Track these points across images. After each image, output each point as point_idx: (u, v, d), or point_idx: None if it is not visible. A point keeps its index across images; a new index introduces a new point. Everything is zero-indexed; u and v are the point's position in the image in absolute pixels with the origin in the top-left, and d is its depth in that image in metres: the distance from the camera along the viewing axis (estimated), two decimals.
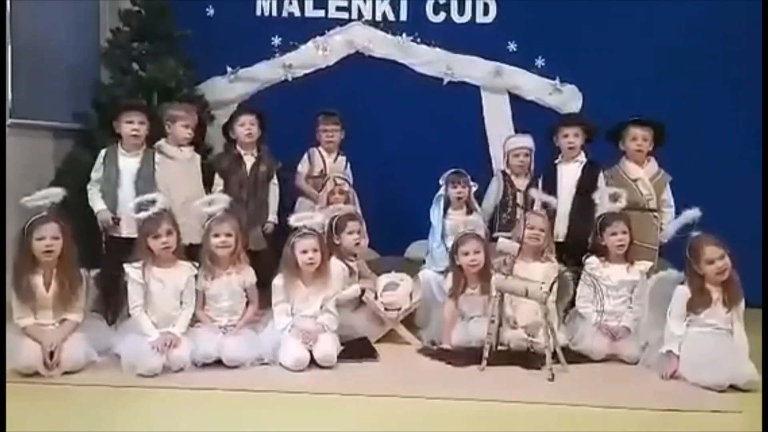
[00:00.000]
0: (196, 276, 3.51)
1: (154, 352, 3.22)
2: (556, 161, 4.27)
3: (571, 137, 4.18)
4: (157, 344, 3.24)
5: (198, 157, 4.25)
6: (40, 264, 3.30)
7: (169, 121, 4.12)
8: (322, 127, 4.56)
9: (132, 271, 3.41)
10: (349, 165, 4.64)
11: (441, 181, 4.24)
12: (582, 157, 4.22)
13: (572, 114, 4.74)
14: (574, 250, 3.90)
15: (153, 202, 3.55)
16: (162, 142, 4.12)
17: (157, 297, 3.42)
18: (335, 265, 3.72)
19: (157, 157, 4.04)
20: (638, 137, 4.13)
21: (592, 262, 3.74)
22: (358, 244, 3.96)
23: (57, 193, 3.40)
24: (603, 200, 3.82)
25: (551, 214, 3.99)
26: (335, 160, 4.59)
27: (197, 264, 3.54)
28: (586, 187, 4.06)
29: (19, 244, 3.32)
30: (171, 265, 3.48)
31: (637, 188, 4.10)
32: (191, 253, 3.77)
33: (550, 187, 4.13)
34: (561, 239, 4.05)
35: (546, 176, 4.23)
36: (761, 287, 4.06)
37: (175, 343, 3.28)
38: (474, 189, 4.26)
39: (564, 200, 4.09)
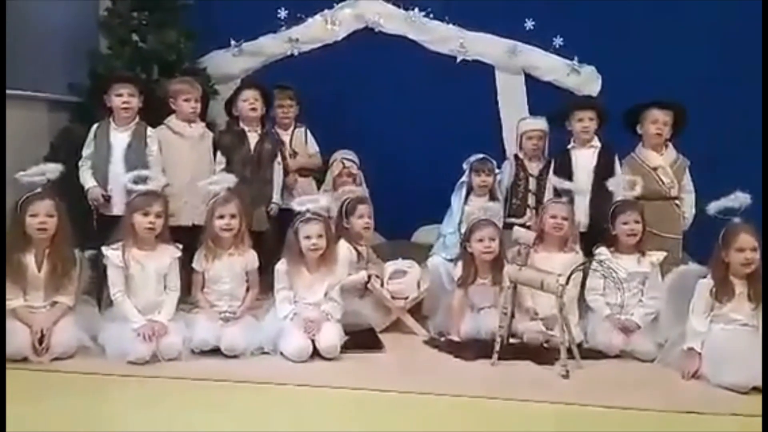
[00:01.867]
0: (179, 258, 3.35)
1: (140, 338, 3.07)
2: (569, 146, 4.09)
3: (585, 121, 4.01)
4: (142, 332, 3.09)
5: (210, 135, 4.11)
6: (33, 242, 3.18)
7: (171, 97, 3.96)
8: (277, 103, 4.38)
9: (111, 253, 3.24)
10: (309, 134, 4.45)
11: (465, 166, 4.07)
12: (596, 142, 4.05)
13: (586, 97, 4.55)
14: (597, 239, 3.72)
15: (147, 179, 3.39)
16: (170, 118, 3.98)
17: (139, 281, 3.26)
18: (343, 247, 3.59)
19: (164, 134, 3.90)
20: (659, 120, 3.96)
21: (601, 252, 3.59)
22: (367, 228, 3.81)
23: (54, 169, 3.28)
24: (618, 188, 3.64)
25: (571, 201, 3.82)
26: (293, 135, 4.42)
27: (181, 246, 3.37)
28: (604, 173, 3.88)
29: (11, 220, 3.17)
30: (152, 249, 3.31)
31: (657, 177, 3.94)
32: (194, 234, 3.63)
33: (565, 173, 3.96)
34: (583, 229, 3.89)
35: (559, 161, 4.06)
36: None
37: (162, 331, 3.12)
38: (499, 178, 4.09)
39: (582, 188, 3.92)
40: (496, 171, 4.07)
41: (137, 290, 3.26)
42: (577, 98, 4.55)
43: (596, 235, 3.76)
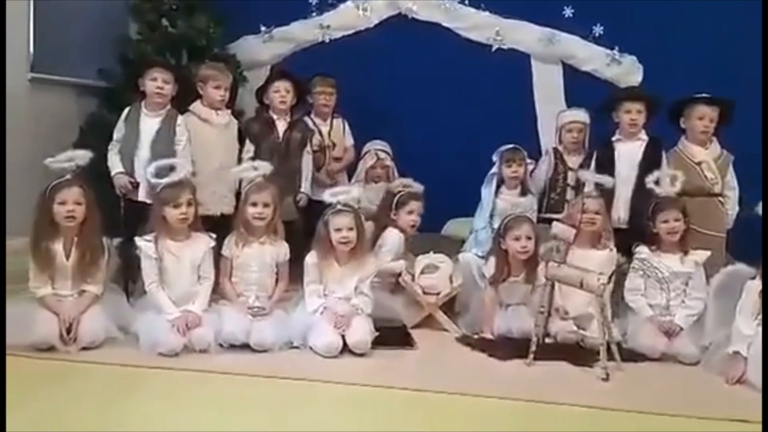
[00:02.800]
0: (213, 247, 3.28)
1: (173, 330, 3.01)
2: (614, 138, 3.93)
3: (634, 113, 3.83)
4: (176, 323, 3.04)
5: (235, 122, 4.03)
6: (61, 230, 3.12)
7: (200, 81, 3.88)
8: (319, 89, 4.30)
9: (144, 244, 3.18)
10: (347, 127, 4.38)
11: (494, 158, 3.95)
12: (643, 136, 3.88)
13: (635, 87, 4.39)
14: (637, 236, 3.57)
15: (172, 168, 3.31)
16: (196, 104, 3.89)
17: (173, 272, 3.20)
18: (393, 233, 3.53)
19: (191, 120, 3.82)
20: (706, 117, 3.79)
21: (641, 251, 3.45)
22: (413, 226, 3.74)
23: (83, 156, 3.22)
24: (664, 183, 3.49)
25: (608, 195, 3.67)
26: (331, 125, 4.34)
27: (214, 235, 3.30)
28: (649, 168, 3.70)
29: (39, 207, 3.13)
30: (185, 238, 3.25)
31: (701, 172, 3.78)
32: (222, 224, 3.57)
33: (606, 167, 3.79)
34: (623, 225, 3.75)
35: (601, 155, 3.89)
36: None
37: (196, 322, 3.07)
38: (530, 168, 3.97)
39: (624, 182, 3.76)
40: (528, 161, 3.94)
41: (171, 281, 3.20)
42: (626, 89, 4.39)
43: (637, 232, 3.61)
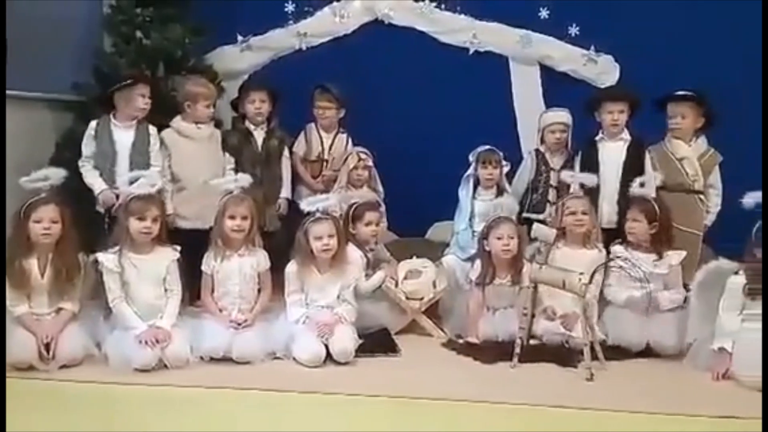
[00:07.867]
0: (178, 260, 3.22)
1: (142, 344, 2.95)
2: (597, 138, 3.93)
3: (615, 114, 3.83)
4: (144, 338, 2.97)
5: (218, 133, 3.99)
6: (36, 248, 3.07)
7: (188, 99, 3.84)
8: (316, 103, 4.26)
9: (104, 258, 3.12)
10: (350, 143, 4.32)
11: (471, 158, 3.93)
12: (626, 135, 3.88)
13: (616, 87, 4.40)
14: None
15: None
16: (177, 119, 3.86)
17: (135, 286, 3.14)
18: (353, 251, 3.46)
19: (170, 136, 3.79)
20: (676, 114, 3.83)
21: (617, 250, 3.48)
22: (374, 235, 3.67)
23: (57, 174, 3.17)
24: (650, 185, 3.50)
25: (593, 195, 3.68)
26: (334, 139, 4.29)
27: (178, 247, 3.25)
28: (633, 168, 3.73)
29: (14, 226, 3.08)
30: (148, 251, 3.19)
31: (682, 168, 3.79)
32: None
33: (590, 166, 3.79)
34: (610, 225, 3.72)
35: (585, 155, 3.89)
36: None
37: (165, 337, 3.00)
38: (506, 169, 3.94)
39: (609, 182, 3.76)
40: (504, 163, 3.94)
41: (135, 295, 3.13)
42: (606, 89, 4.40)
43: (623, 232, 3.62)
